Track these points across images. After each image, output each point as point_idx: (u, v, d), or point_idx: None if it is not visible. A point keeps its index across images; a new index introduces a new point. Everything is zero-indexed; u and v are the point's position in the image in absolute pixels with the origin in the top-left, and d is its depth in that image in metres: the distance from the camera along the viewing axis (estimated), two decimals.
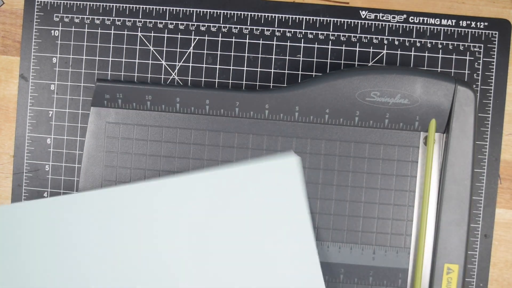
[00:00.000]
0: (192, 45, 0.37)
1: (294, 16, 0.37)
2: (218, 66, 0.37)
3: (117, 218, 0.33)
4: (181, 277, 0.32)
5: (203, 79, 0.37)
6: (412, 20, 0.37)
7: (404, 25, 0.37)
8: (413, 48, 0.37)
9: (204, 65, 0.37)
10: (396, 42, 0.37)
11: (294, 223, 0.32)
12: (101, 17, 0.37)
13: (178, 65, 0.37)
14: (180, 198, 0.33)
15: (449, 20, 0.37)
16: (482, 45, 0.37)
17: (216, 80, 0.37)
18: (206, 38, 0.37)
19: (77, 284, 0.33)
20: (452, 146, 0.33)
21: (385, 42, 0.37)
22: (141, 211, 0.33)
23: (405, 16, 0.37)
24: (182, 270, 0.32)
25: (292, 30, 0.37)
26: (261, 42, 0.37)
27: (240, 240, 0.33)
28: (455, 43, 0.37)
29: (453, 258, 0.33)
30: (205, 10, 0.37)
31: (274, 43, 0.37)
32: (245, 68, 0.37)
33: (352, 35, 0.37)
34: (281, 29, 0.37)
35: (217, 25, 0.37)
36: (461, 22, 0.37)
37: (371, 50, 0.37)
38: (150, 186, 0.33)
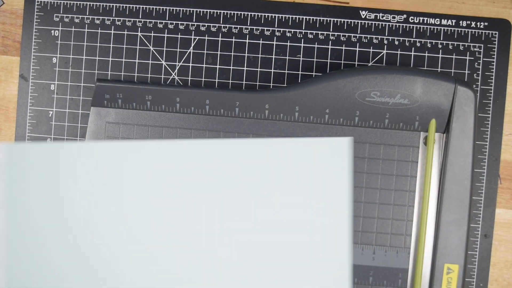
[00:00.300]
0: (192, 45, 0.37)
1: (294, 16, 0.37)
2: (218, 66, 0.37)
3: (157, 171, 0.33)
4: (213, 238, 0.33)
5: (203, 79, 0.37)
6: (412, 20, 0.37)
7: (404, 25, 0.37)
8: (413, 48, 0.37)
9: (204, 65, 0.37)
10: (396, 42, 0.37)
11: (333, 201, 0.32)
12: (101, 17, 0.37)
13: (178, 65, 0.37)
14: (222, 159, 0.33)
15: (449, 20, 0.37)
16: (482, 45, 0.37)
17: (216, 80, 0.37)
18: (206, 38, 0.37)
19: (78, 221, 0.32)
20: (452, 146, 0.33)
21: (385, 42, 0.37)
22: (183, 170, 0.33)
23: (405, 16, 0.37)
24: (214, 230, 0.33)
25: (292, 30, 0.37)
26: (261, 42, 0.37)
27: (276, 208, 0.33)
28: (455, 43, 0.37)
29: (453, 258, 0.33)
30: (205, 10, 0.37)
31: (274, 43, 0.37)
32: (245, 68, 0.37)
33: (352, 35, 0.37)
34: (281, 29, 0.37)
35: (217, 25, 0.37)
36: (461, 22, 0.37)
37: (371, 50, 0.37)
38: (195, 144, 0.33)
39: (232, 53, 0.37)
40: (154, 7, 0.37)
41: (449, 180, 0.33)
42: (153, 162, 0.32)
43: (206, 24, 0.37)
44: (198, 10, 0.37)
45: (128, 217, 0.33)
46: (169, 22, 0.37)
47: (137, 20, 0.37)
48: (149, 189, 0.32)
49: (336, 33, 0.37)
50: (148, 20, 0.37)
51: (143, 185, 0.32)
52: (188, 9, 0.37)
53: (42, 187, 0.32)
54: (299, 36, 0.37)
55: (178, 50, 0.37)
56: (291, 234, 0.32)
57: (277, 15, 0.37)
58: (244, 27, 0.37)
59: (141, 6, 0.37)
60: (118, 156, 0.32)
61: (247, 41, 0.37)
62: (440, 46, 0.37)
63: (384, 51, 0.37)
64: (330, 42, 0.37)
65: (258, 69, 0.37)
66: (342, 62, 0.37)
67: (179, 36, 0.37)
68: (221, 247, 0.33)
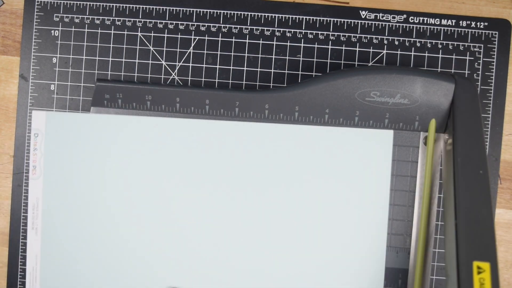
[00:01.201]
0: (192, 45, 0.37)
1: (294, 16, 0.37)
2: (218, 66, 0.37)
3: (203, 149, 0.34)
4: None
5: (203, 79, 0.37)
6: (412, 20, 0.37)
7: (404, 25, 0.37)
8: (413, 48, 0.37)
9: (204, 65, 0.37)
10: (396, 42, 0.37)
11: (374, 192, 0.34)
12: (101, 17, 0.37)
13: (178, 65, 0.37)
14: (265, 143, 0.34)
15: (449, 20, 0.37)
16: (482, 45, 0.37)
17: (216, 80, 0.37)
18: (206, 38, 0.37)
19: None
20: (459, 131, 0.32)
21: (385, 42, 0.37)
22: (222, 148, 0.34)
23: (405, 16, 0.37)
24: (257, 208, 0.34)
25: (292, 30, 0.37)
26: (261, 42, 0.37)
27: (316, 194, 0.34)
28: (455, 43, 0.37)
29: (482, 255, 0.28)
30: (205, 10, 0.37)
31: (274, 43, 0.37)
32: (245, 68, 0.37)
33: (352, 35, 0.37)
34: (281, 29, 0.37)
35: (217, 25, 0.37)
36: (461, 22, 0.37)
37: (371, 50, 0.37)
38: (236, 125, 0.34)
39: (232, 53, 0.37)
40: (154, 7, 0.37)
41: (462, 173, 0.30)
42: (192, 141, 0.34)
43: (206, 24, 0.37)
44: (198, 10, 0.37)
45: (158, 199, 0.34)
46: (169, 22, 0.37)
47: (137, 20, 0.37)
48: (188, 169, 0.34)
49: (336, 33, 0.37)
50: (148, 20, 0.37)
51: (176, 163, 0.34)
52: (188, 9, 0.37)
53: (78, 156, 0.34)
54: (299, 36, 0.37)
55: (178, 50, 0.37)
56: (327, 227, 0.34)
57: (277, 15, 0.37)
58: (244, 27, 0.37)
59: (141, 6, 0.37)
60: (149, 130, 0.34)
61: (247, 41, 0.37)
62: (440, 46, 0.37)
63: (384, 51, 0.37)
64: (330, 42, 0.37)
65: (258, 69, 0.37)
66: (342, 62, 0.37)
67: (179, 36, 0.37)
68: (254, 237, 0.34)
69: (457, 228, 0.28)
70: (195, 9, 0.37)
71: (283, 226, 0.33)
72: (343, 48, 0.37)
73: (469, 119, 0.32)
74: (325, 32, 0.37)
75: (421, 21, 0.37)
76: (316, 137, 0.33)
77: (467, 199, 0.29)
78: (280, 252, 0.33)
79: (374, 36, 0.37)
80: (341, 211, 0.33)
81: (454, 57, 0.37)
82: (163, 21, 0.37)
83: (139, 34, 0.37)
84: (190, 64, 0.37)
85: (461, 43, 0.37)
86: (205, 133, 0.34)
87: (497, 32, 0.37)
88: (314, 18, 0.37)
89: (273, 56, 0.37)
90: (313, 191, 0.33)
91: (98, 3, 0.37)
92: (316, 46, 0.37)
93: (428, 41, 0.37)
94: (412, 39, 0.37)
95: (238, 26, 0.37)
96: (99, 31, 0.37)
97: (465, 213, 0.29)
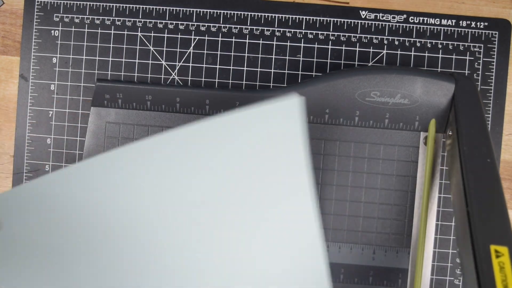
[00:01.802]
0: (192, 45, 0.37)
1: (294, 16, 0.37)
2: (218, 66, 0.37)
3: (117, 180, 0.30)
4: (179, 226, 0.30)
5: (203, 79, 0.37)
6: (412, 20, 0.37)
7: (404, 25, 0.37)
8: (413, 48, 0.37)
9: (204, 65, 0.37)
10: (396, 42, 0.37)
11: (291, 170, 0.29)
12: (101, 17, 0.37)
13: (178, 65, 0.37)
14: (179, 150, 0.30)
15: (449, 20, 0.37)
16: (482, 45, 0.37)
17: (216, 80, 0.37)
18: (206, 38, 0.37)
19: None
20: (462, 122, 0.31)
21: (385, 42, 0.37)
22: (139, 170, 0.30)
23: (405, 16, 0.37)
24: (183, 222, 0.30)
25: (292, 30, 0.37)
26: (261, 42, 0.37)
27: (235, 188, 0.30)
28: (455, 43, 0.37)
29: (499, 238, 0.26)
30: (205, 10, 0.37)
31: (274, 43, 0.37)
32: (245, 68, 0.37)
33: (352, 35, 0.37)
34: (281, 29, 0.37)
35: (217, 25, 0.37)
36: (461, 22, 0.37)
37: (371, 50, 0.37)
38: (146, 144, 0.30)
39: (232, 53, 0.37)
40: (154, 7, 0.37)
41: (470, 161, 0.29)
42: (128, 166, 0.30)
43: (206, 24, 0.37)
44: (198, 10, 0.37)
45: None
46: (169, 22, 0.37)
47: (137, 20, 0.37)
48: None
49: (336, 33, 0.37)
50: (148, 20, 0.37)
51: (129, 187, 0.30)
52: (188, 9, 0.37)
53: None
54: (299, 36, 0.37)
55: (178, 50, 0.37)
56: (257, 224, 0.30)
57: (277, 15, 0.37)
58: (244, 27, 0.37)
59: (141, 6, 0.37)
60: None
61: (247, 41, 0.37)
62: (440, 46, 0.37)
63: (384, 51, 0.37)
64: (330, 42, 0.37)
65: (258, 69, 0.37)
66: (342, 62, 0.37)
67: (179, 36, 0.37)
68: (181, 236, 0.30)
69: (469, 216, 0.27)
70: (195, 9, 0.37)
71: (207, 227, 0.30)
72: (343, 48, 0.37)
73: (471, 110, 0.31)
74: (325, 32, 0.37)
75: (421, 21, 0.37)
76: (221, 127, 0.28)
77: (478, 186, 0.28)
78: (211, 250, 0.31)
79: (374, 36, 0.37)
80: (265, 205, 0.29)
81: (454, 57, 0.37)
82: (163, 21, 0.37)
83: (139, 34, 0.37)
84: (190, 64, 0.37)
85: (461, 43, 0.37)
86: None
87: (497, 32, 0.37)
88: (314, 18, 0.37)
89: (273, 56, 0.37)
90: (236, 188, 0.29)
91: (98, 3, 0.37)
92: (316, 46, 0.37)
93: (428, 41, 0.37)
94: (412, 39, 0.37)
95: (238, 26, 0.37)
96: (99, 31, 0.37)
97: (477, 200, 0.27)
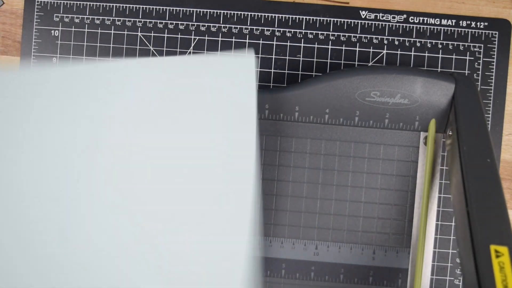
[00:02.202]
0: (192, 45, 0.37)
1: (294, 16, 0.37)
2: None
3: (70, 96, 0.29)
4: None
5: None
6: (412, 20, 0.37)
7: (404, 25, 0.37)
8: (413, 48, 0.37)
9: None
10: (396, 42, 0.37)
11: (240, 121, 0.28)
12: (101, 17, 0.37)
13: None
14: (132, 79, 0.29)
15: (449, 20, 0.37)
16: (482, 45, 0.37)
17: None
18: (206, 38, 0.37)
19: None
20: (461, 121, 0.31)
21: (385, 42, 0.37)
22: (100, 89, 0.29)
23: (405, 16, 0.37)
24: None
25: (292, 30, 0.37)
26: (261, 42, 0.37)
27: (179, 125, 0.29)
28: (455, 43, 0.37)
29: (499, 238, 0.26)
30: (205, 10, 0.37)
31: (274, 43, 0.37)
32: None
33: (352, 35, 0.37)
34: (281, 29, 0.37)
35: (217, 25, 0.37)
36: (461, 22, 0.37)
37: (371, 50, 0.37)
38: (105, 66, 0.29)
39: (232, 53, 0.37)
40: (154, 7, 0.37)
41: (469, 161, 0.29)
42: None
43: (206, 24, 0.37)
44: (198, 10, 0.37)
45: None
46: (169, 22, 0.37)
47: (137, 20, 0.37)
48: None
49: (336, 33, 0.37)
50: (148, 20, 0.37)
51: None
52: (188, 9, 0.37)
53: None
54: (299, 36, 0.37)
55: (178, 50, 0.37)
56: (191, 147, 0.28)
57: (277, 15, 0.37)
58: (244, 27, 0.37)
59: (141, 6, 0.37)
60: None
61: (247, 41, 0.37)
62: (440, 46, 0.37)
63: (384, 51, 0.37)
64: (330, 42, 0.37)
65: (258, 69, 0.37)
66: (342, 62, 0.37)
67: (179, 36, 0.37)
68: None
69: (469, 216, 0.27)
70: (195, 9, 0.37)
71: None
72: (343, 48, 0.37)
73: (471, 110, 0.32)
74: (325, 32, 0.37)
75: (421, 21, 0.37)
76: (176, 65, 0.28)
77: (478, 186, 0.28)
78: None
79: (374, 36, 0.37)
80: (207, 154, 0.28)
81: (454, 57, 0.37)
82: (163, 21, 0.37)
83: (139, 34, 0.37)
84: None
85: (461, 43, 0.37)
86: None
87: (497, 32, 0.37)
88: (314, 18, 0.37)
89: (273, 56, 0.37)
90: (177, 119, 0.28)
91: (98, 3, 0.37)
92: (316, 46, 0.37)
93: (428, 41, 0.37)
94: (412, 39, 0.37)
95: (238, 26, 0.37)
96: (99, 31, 0.37)
97: (477, 200, 0.27)
